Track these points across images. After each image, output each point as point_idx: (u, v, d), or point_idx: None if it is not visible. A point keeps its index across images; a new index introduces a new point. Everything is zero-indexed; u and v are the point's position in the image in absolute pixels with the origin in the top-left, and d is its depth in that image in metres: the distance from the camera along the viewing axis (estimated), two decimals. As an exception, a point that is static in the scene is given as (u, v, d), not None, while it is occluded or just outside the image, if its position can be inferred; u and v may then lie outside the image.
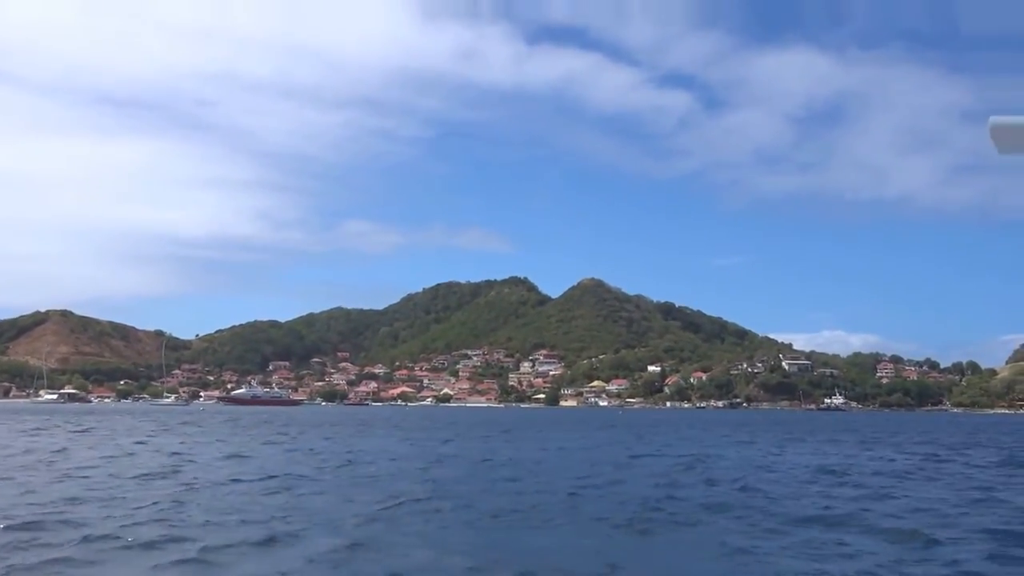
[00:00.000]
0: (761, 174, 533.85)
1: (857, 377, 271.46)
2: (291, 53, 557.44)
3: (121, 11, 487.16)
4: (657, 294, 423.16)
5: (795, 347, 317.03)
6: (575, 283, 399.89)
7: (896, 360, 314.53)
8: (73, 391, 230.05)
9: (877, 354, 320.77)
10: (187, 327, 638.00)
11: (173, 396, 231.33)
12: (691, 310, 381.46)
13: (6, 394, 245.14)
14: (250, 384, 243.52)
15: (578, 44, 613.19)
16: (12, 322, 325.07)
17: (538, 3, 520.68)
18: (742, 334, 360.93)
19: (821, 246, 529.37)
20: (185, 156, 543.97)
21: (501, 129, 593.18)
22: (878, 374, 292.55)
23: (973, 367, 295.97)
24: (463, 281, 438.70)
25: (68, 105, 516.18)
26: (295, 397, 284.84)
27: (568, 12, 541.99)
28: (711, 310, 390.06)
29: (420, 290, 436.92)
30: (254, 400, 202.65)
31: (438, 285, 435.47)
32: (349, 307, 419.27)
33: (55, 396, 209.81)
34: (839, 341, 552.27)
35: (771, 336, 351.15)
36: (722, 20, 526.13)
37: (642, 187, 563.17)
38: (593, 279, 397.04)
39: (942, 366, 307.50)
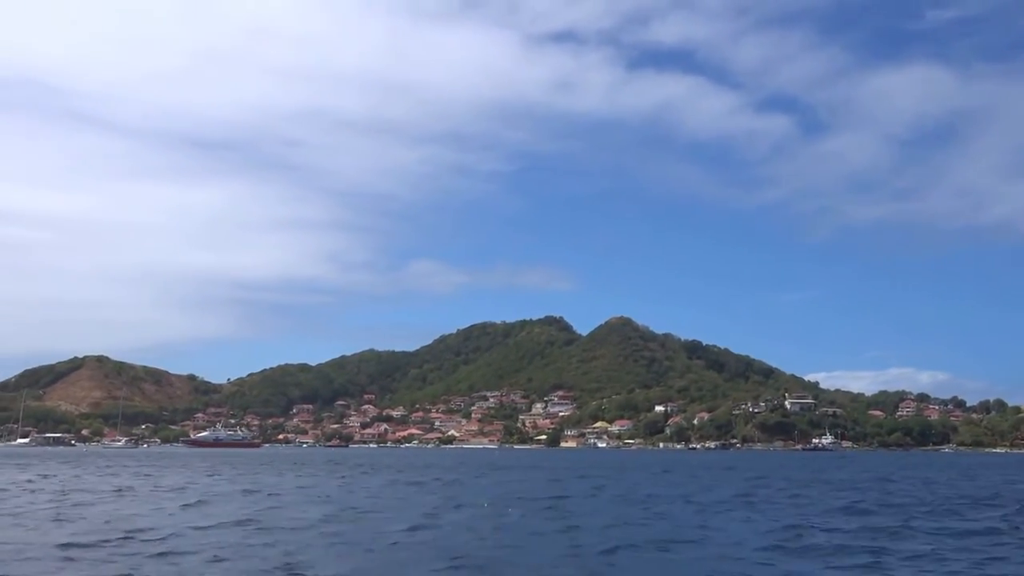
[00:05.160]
0: (851, 202, 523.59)
1: (861, 417, 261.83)
2: (384, 89, 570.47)
3: (222, 55, 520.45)
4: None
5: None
6: (602, 322, 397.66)
7: (922, 399, 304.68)
8: (57, 435, 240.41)
9: (902, 392, 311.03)
10: (224, 370, 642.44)
11: (124, 439, 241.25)
12: (718, 348, 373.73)
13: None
14: (215, 428, 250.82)
15: (682, 68, 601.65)
16: (49, 368, 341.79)
17: (649, 26, 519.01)
18: (768, 372, 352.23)
19: (900, 279, 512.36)
20: (261, 198, 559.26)
21: (584, 161, 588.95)
22: (898, 412, 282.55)
23: (999, 405, 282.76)
24: (498, 322, 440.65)
25: (159, 149, 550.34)
26: (304, 440, 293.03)
27: (679, 33, 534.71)
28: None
29: (454, 331, 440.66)
30: (216, 443, 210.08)
31: (472, 326, 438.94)
32: (380, 349, 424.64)
33: (27, 440, 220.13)
34: (907, 379, 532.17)
35: (798, 375, 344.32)
36: (843, 36, 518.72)
37: (721, 219, 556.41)
38: (621, 317, 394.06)
39: (968, 404, 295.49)
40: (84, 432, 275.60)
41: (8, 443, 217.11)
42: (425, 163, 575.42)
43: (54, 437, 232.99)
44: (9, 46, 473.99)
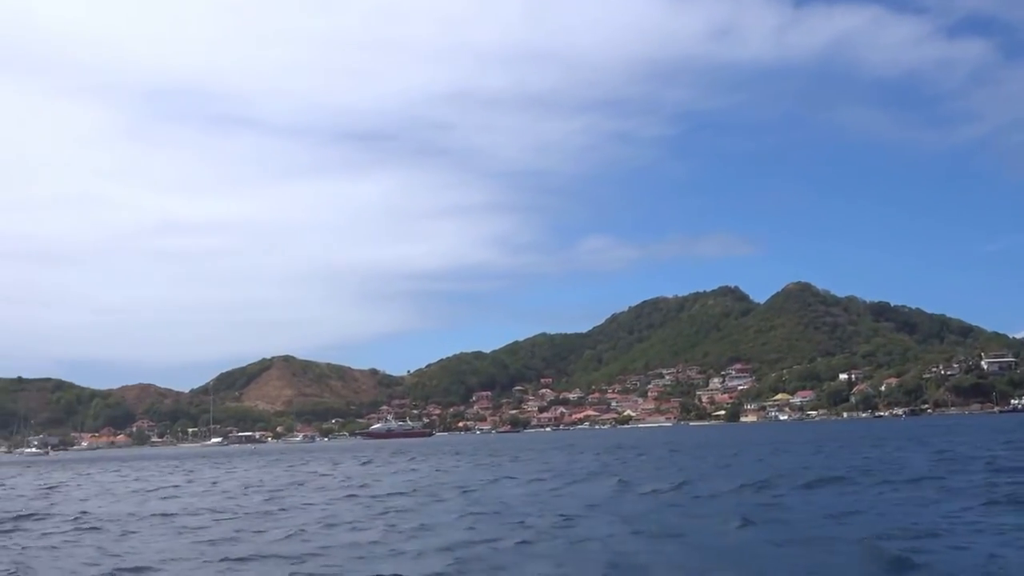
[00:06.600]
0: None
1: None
2: (528, 60, 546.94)
3: (359, 42, 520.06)
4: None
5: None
6: (779, 289, 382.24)
7: None
8: (247, 434, 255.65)
9: None
10: (403, 362, 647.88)
11: (301, 435, 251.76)
12: (908, 309, 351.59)
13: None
14: (386, 419, 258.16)
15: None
16: (242, 370, 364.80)
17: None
18: (966, 331, 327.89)
19: None
20: (423, 186, 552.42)
21: (752, 114, 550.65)
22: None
23: None
24: (670, 296, 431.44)
25: (312, 145, 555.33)
26: (482, 426, 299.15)
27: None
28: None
29: (625, 309, 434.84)
30: (388, 434, 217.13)
31: (643, 303, 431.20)
32: (552, 332, 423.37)
33: (220, 440, 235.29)
34: None
35: (1005, 333, 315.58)
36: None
37: (911, 164, 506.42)
38: (799, 283, 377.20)
39: None
40: (279, 429, 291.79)
41: (204, 443, 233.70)
42: (583, 134, 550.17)
43: (245, 436, 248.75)
44: (156, 56, 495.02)
